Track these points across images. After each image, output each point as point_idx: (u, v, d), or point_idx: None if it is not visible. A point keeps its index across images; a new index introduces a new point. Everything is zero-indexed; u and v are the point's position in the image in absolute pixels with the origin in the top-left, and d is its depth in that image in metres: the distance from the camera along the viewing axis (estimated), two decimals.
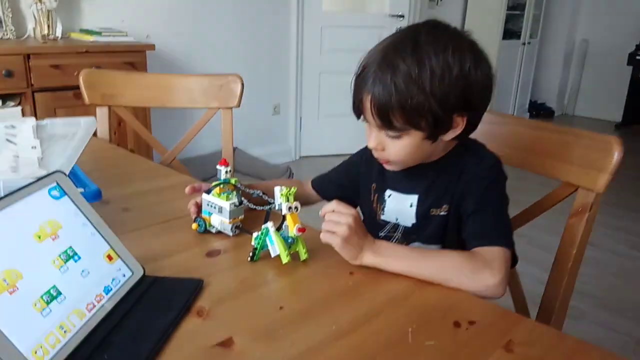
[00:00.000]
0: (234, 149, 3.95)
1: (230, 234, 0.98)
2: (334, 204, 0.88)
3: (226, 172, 0.98)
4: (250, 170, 3.62)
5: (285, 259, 0.87)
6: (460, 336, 0.72)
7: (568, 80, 6.44)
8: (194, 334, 0.71)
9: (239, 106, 1.70)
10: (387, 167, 1.01)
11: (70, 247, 0.73)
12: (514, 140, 1.18)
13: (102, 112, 1.69)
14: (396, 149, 0.94)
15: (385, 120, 0.89)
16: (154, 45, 2.83)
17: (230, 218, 0.96)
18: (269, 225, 0.89)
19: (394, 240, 1.07)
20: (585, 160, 1.05)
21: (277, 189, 0.89)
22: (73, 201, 0.78)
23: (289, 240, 0.89)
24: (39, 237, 0.70)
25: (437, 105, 0.87)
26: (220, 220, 0.98)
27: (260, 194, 0.99)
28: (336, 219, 0.86)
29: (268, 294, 0.82)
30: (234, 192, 0.98)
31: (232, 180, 0.99)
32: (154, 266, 0.86)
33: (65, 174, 0.79)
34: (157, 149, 1.76)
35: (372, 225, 1.09)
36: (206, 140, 3.41)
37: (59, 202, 0.76)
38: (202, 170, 3.45)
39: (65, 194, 0.77)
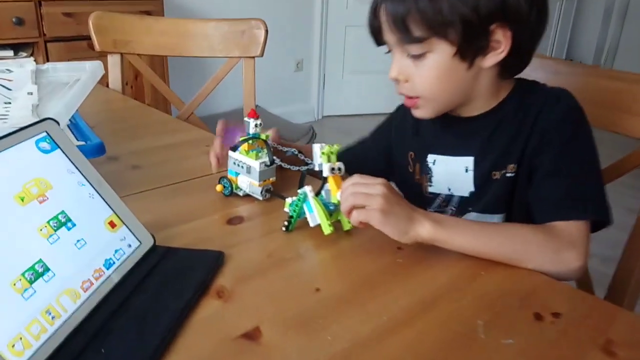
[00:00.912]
0: (256, 107, 3.81)
1: (260, 197, 0.84)
2: (353, 178, 0.71)
3: (255, 125, 0.83)
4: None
5: (327, 230, 0.73)
6: (545, 333, 0.57)
7: (607, 36, 6.09)
8: (213, 321, 0.57)
9: (262, 55, 1.54)
10: (417, 112, 0.83)
11: (63, 212, 0.59)
12: (585, 93, 1.00)
13: (113, 61, 1.54)
14: (423, 73, 0.77)
15: (403, 29, 0.74)
16: None
17: (260, 180, 0.82)
18: (307, 189, 0.74)
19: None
20: None
21: (316, 147, 0.74)
22: (67, 156, 0.64)
23: (331, 208, 0.75)
24: (22, 200, 0.56)
25: (464, 4, 0.71)
26: (248, 182, 0.83)
27: (296, 153, 0.83)
28: (363, 190, 0.69)
29: (301, 272, 0.68)
30: (265, 150, 0.83)
31: (263, 136, 0.84)
32: (166, 234, 0.72)
33: (56, 122, 0.65)
34: (174, 103, 1.61)
35: (417, 202, 0.93)
36: (225, 97, 3.27)
37: (48, 157, 0.62)
38: None
39: (57, 146, 0.63)
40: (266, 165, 0.82)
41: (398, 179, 0.97)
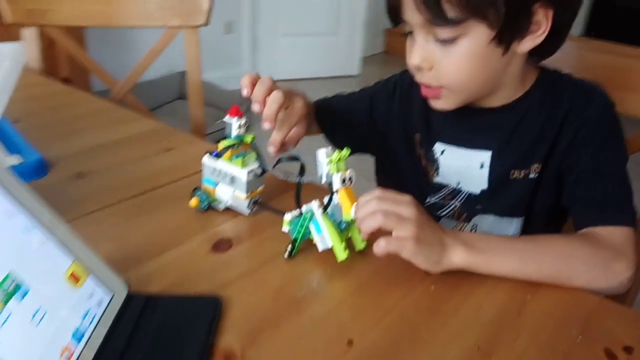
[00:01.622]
0: (183, 74, 3.54)
1: (247, 212, 0.69)
2: (376, 192, 0.58)
3: (239, 126, 0.68)
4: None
5: (342, 255, 0.60)
6: None
7: None
8: None
9: (207, 23, 1.35)
10: (437, 103, 0.72)
11: (8, 276, 0.43)
12: (611, 76, 0.92)
13: (29, 34, 1.30)
14: (452, 61, 0.65)
15: (435, 8, 0.61)
16: None
17: (247, 192, 0.68)
18: (314, 205, 0.61)
19: (447, 210, 0.82)
20: None
21: (321, 153, 0.60)
22: (6, 189, 0.47)
23: (342, 227, 0.62)
24: None
25: None
26: (230, 194, 0.69)
27: (294, 157, 0.68)
28: (392, 208, 0.56)
29: (322, 318, 0.55)
30: (253, 154, 0.68)
31: (248, 138, 0.69)
32: (138, 274, 0.58)
33: None
34: (105, 81, 1.40)
35: (420, 190, 0.82)
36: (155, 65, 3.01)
37: None
38: (151, 99, 3.05)
39: None
40: (256, 175, 0.67)
41: (400, 159, 0.84)
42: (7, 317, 0.41)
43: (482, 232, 0.79)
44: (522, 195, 0.75)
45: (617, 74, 0.89)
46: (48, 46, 2.32)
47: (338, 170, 0.60)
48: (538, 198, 0.74)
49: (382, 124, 0.86)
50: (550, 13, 0.63)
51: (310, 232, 0.62)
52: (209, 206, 0.71)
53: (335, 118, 0.88)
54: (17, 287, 0.43)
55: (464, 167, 0.77)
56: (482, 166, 0.76)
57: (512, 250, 0.61)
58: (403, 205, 0.57)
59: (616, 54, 0.91)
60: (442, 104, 0.71)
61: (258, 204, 0.71)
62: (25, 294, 0.43)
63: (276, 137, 0.70)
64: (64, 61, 2.36)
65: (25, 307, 0.43)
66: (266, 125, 0.67)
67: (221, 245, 0.65)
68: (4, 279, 0.42)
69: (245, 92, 0.68)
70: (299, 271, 0.61)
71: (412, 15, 0.64)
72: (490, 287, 0.59)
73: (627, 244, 0.63)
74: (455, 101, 0.70)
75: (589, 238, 0.64)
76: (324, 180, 0.61)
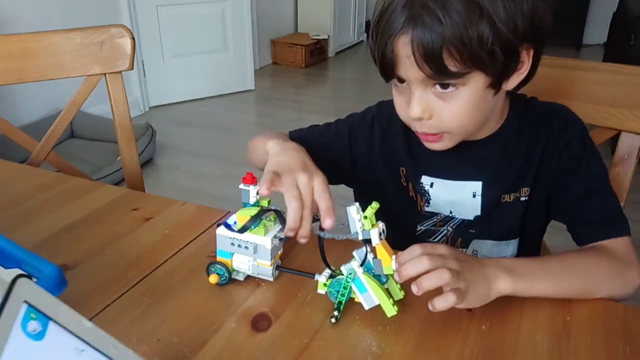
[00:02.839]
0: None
1: (272, 278, 0.67)
2: (416, 249, 0.58)
3: (257, 193, 0.65)
4: (97, 133, 3.02)
5: (392, 311, 0.60)
6: None
7: None
8: None
9: (132, 68, 1.28)
10: (436, 145, 0.73)
11: None
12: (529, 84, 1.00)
13: None
14: (453, 109, 0.67)
15: (438, 65, 0.62)
16: None
17: (271, 258, 0.65)
18: (355, 265, 0.60)
19: (440, 236, 0.84)
20: (630, 99, 0.91)
21: (352, 210, 0.59)
22: (63, 327, 0.41)
23: (383, 281, 0.62)
24: None
25: (506, 28, 0.62)
26: (250, 262, 0.66)
27: (316, 218, 0.65)
28: (441, 263, 0.57)
29: None
30: (272, 219, 0.66)
31: (265, 202, 0.66)
32: None
33: (29, 277, 0.41)
34: (23, 143, 1.25)
35: (410, 218, 0.84)
36: (30, 105, 2.79)
37: (44, 343, 0.39)
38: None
39: (48, 318, 0.40)
40: (280, 240, 0.65)
41: (388, 190, 0.85)
42: None
43: (483, 256, 0.83)
44: (515, 217, 0.79)
45: (556, 85, 0.98)
46: None
47: (372, 225, 0.60)
48: (530, 218, 0.80)
49: (364, 159, 0.86)
50: (532, 52, 0.68)
51: (351, 293, 0.61)
52: (230, 279, 0.67)
53: (313, 153, 0.86)
54: None
55: (456, 197, 0.80)
56: (474, 195, 0.79)
57: (547, 272, 0.65)
58: (449, 261, 0.58)
59: (553, 67, 0.99)
60: (441, 145, 0.73)
61: (279, 268, 0.68)
62: None
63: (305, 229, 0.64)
64: None
65: None
66: (302, 240, 0.64)
67: (259, 322, 0.61)
68: None
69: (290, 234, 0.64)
70: (351, 335, 0.60)
71: (411, 72, 0.65)
72: (531, 314, 0.62)
73: (631, 252, 0.70)
74: (455, 141, 0.73)
75: (603, 252, 0.70)
76: (360, 237, 0.61)
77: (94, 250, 0.75)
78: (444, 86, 0.66)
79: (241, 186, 0.65)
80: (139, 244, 0.76)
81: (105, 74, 1.25)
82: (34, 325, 0.39)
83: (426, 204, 0.83)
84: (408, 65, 0.64)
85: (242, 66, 3.88)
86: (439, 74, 0.63)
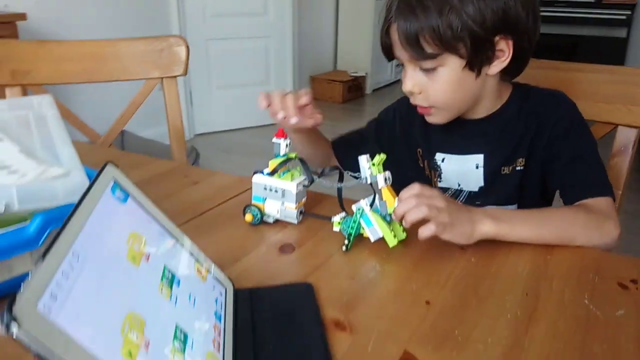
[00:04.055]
0: (122, 133, 3.53)
1: (296, 221, 0.79)
2: (414, 189, 0.70)
3: (286, 145, 0.79)
4: (147, 153, 3.24)
5: (393, 241, 0.71)
6: (637, 297, 0.63)
7: None
8: (357, 354, 0.54)
9: (185, 73, 1.46)
10: (431, 118, 0.88)
11: (166, 268, 0.51)
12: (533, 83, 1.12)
13: (13, 94, 1.33)
14: (436, 85, 0.82)
15: (416, 47, 0.78)
16: (25, 14, 2.36)
17: (296, 202, 0.78)
18: (364, 203, 0.73)
19: None
20: (625, 97, 1.02)
21: (363, 159, 0.72)
22: (139, 203, 0.55)
23: (387, 219, 0.73)
24: (134, 259, 0.47)
25: (472, 21, 0.76)
26: (278, 207, 0.79)
27: (335, 167, 0.80)
28: (428, 202, 0.68)
29: (398, 289, 0.66)
30: (298, 169, 0.79)
31: (293, 155, 0.80)
32: (229, 275, 0.65)
33: (116, 165, 0.56)
34: (88, 134, 1.44)
35: None
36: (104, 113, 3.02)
37: (126, 207, 0.53)
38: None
39: (128, 194, 0.54)
40: (304, 186, 0.78)
41: (408, 171, 0.99)
42: (176, 299, 0.49)
43: None
44: (513, 185, 0.90)
45: (559, 86, 1.09)
46: None
47: (379, 172, 0.72)
48: (526, 186, 0.91)
49: (387, 144, 1.00)
50: (510, 42, 0.81)
51: (360, 228, 0.73)
52: (261, 220, 0.80)
53: (350, 145, 1.04)
54: (173, 276, 0.51)
55: (462, 169, 0.92)
56: (477, 167, 0.91)
57: (529, 218, 0.75)
58: (436, 199, 0.70)
59: (557, 69, 1.11)
60: (434, 119, 0.88)
61: (303, 213, 0.81)
62: (179, 282, 0.51)
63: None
64: None
65: (183, 292, 0.51)
66: (293, 120, 0.81)
67: (286, 248, 0.74)
68: (164, 270, 0.50)
69: (263, 106, 0.82)
70: (361, 260, 0.72)
71: (401, 52, 0.81)
72: (516, 256, 0.72)
73: (611, 209, 0.80)
74: (444, 116, 0.87)
75: (583, 207, 0.80)
76: (368, 181, 0.73)
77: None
78: (427, 66, 0.80)
79: (274, 140, 0.79)
80: (188, 198, 0.91)
81: (162, 78, 1.43)
82: (119, 194, 0.52)
83: (439, 179, 0.95)
84: (398, 47, 0.81)
85: None
86: (419, 55, 0.78)
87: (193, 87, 3.80)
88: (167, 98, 1.44)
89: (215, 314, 0.54)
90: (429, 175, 0.96)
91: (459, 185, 0.93)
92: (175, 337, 0.45)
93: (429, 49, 0.78)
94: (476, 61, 0.80)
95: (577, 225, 0.76)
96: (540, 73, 1.12)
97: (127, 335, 0.39)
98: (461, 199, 0.94)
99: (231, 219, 0.82)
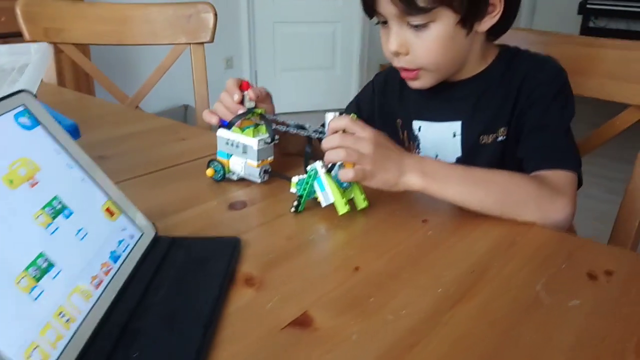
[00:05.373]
0: (186, 107, 3.64)
1: (259, 180, 0.76)
2: (341, 122, 0.65)
3: (250, 98, 0.75)
4: None
5: (343, 209, 0.66)
6: (606, 292, 0.54)
7: None
8: (251, 311, 0.50)
9: (212, 40, 1.45)
10: (415, 83, 0.80)
11: (56, 198, 0.49)
12: (564, 62, 1.01)
13: None
14: (425, 44, 0.74)
15: (409, 1, 0.70)
16: None
17: (258, 160, 0.74)
18: (318, 165, 0.68)
19: None
20: None
21: (329, 116, 0.67)
22: (50, 133, 0.53)
23: (344, 185, 0.68)
24: (11, 182, 0.45)
25: None
26: (243, 164, 0.75)
27: (297, 128, 0.75)
28: (352, 145, 0.64)
29: (331, 253, 0.61)
30: (263, 125, 0.75)
31: (259, 110, 0.76)
32: (164, 224, 0.63)
33: (34, 95, 0.54)
34: (116, 95, 1.48)
35: None
36: (165, 92, 3.12)
37: (31, 134, 0.51)
38: None
39: (39, 122, 0.53)
40: (266, 143, 0.74)
41: None
42: (56, 229, 0.47)
43: None
44: (493, 158, 0.82)
45: (591, 63, 0.98)
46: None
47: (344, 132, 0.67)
48: (507, 159, 0.82)
49: (368, 119, 0.94)
50: None
51: (314, 191, 0.68)
52: (224, 177, 0.77)
53: None
54: (63, 207, 0.49)
55: (439, 138, 0.85)
56: (454, 135, 0.84)
57: (465, 178, 0.67)
58: (363, 143, 0.64)
59: (591, 46, 0.99)
60: (419, 83, 0.80)
61: (268, 173, 0.77)
62: (70, 214, 0.49)
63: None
64: (71, 81, 2.46)
65: (71, 224, 0.49)
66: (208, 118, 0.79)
67: (237, 205, 0.71)
68: (53, 199, 0.48)
69: (214, 122, 0.79)
70: (308, 223, 0.67)
71: (387, 7, 0.73)
72: (482, 232, 0.65)
73: (568, 184, 0.70)
74: (431, 80, 0.79)
75: (536, 177, 0.71)
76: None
77: (130, 150, 0.90)
78: (418, 22, 0.72)
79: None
80: (167, 152, 0.90)
81: (190, 44, 1.43)
82: (24, 120, 0.51)
83: (417, 150, 0.88)
84: (384, 2, 0.73)
85: (347, 85, 4.05)
86: (410, 8, 0.71)
87: (258, 68, 3.84)
88: (194, 64, 1.44)
89: (112, 253, 0.52)
90: (409, 147, 0.89)
91: (437, 156, 0.86)
92: (33, 263, 0.43)
93: (421, 2, 0.71)
94: (470, 16, 0.73)
95: (523, 194, 0.68)
96: (564, 49, 1.01)
97: None
98: None
99: (198, 173, 0.79)
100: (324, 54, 3.96)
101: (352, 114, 0.69)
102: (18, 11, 1.34)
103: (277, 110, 0.84)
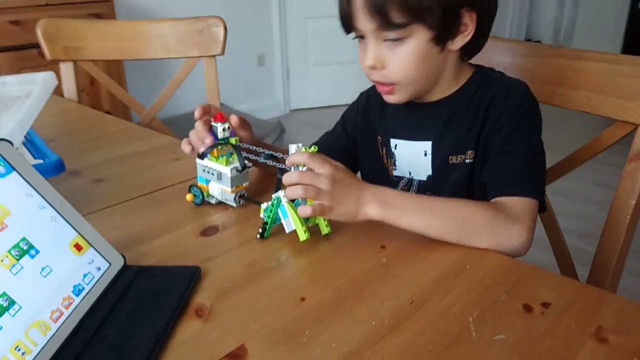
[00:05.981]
0: (220, 105, 3.74)
1: (234, 204, 0.81)
2: (302, 157, 0.69)
3: (224, 129, 0.80)
4: None
5: (302, 236, 0.70)
6: (536, 325, 0.56)
7: (563, 15, 6.19)
8: (194, 342, 0.54)
9: (223, 53, 1.50)
10: (391, 98, 0.83)
11: (24, 239, 0.55)
12: (549, 74, 1.00)
13: (66, 68, 1.48)
14: (400, 59, 0.77)
15: (384, 16, 0.73)
16: None
17: (232, 186, 0.79)
18: (281, 194, 0.72)
19: None
20: None
21: (292, 147, 0.71)
22: (24, 178, 0.60)
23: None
24: None
25: None
26: (220, 189, 0.80)
27: (267, 157, 0.79)
28: (310, 181, 0.68)
29: (283, 282, 0.65)
30: (235, 154, 0.80)
31: (232, 140, 0.81)
32: (137, 252, 0.69)
33: (9, 142, 0.61)
34: (134, 108, 1.56)
35: (384, 185, 0.92)
36: (185, 98, 3.21)
37: (4, 181, 0.58)
38: (186, 132, 3.24)
39: (13, 168, 0.59)
40: (238, 171, 0.79)
41: (367, 162, 0.96)
42: (20, 269, 0.53)
43: None
44: (462, 179, 0.84)
45: (578, 76, 0.97)
46: (90, 83, 2.55)
47: (302, 166, 0.71)
48: (475, 181, 0.83)
49: (354, 138, 0.98)
50: (474, 16, 0.76)
51: (279, 217, 0.73)
52: (204, 201, 0.82)
53: (317, 144, 1.01)
54: (30, 247, 0.55)
55: (412, 156, 0.88)
56: (425, 154, 0.86)
57: (422, 207, 0.71)
58: (321, 179, 0.67)
59: (578, 59, 0.98)
60: (395, 98, 0.83)
61: (244, 197, 0.81)
62: (36, 254, 0.55)
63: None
64: (106, 96, 2.58)
65: (36, 264, 0.55)
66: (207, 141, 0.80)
67: (209, 231, 0.76)
68: (21, 240, 0.55)
69: (187, 151, 0.83)
70: (271, 249, 0.71)
71: (364, 23, 0.76)
72: (437, 259, 0.67)
73: (526, 212, 0.72)
74: (406, 94, 0.82)
75: (493, 205, 0.73)
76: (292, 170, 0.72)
77: (125, 173, 0.96)
78: (394, 37, 0.75)
79: (212, 123, 0.80)
80: (159, 173, 0.96)
81: (202, 57, 1.49)
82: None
83: (394, 167, 0.91)
84: (361, 17, 0.76)
85: None
86: (386, 24, 0.74)
87: (290, 63, 3.89)
88: (207, 76, 1.50)
89: (75, 287, 0.58)
90: (386, 164, 0.92)
91: (410, 173, 0.89)
92: None
93: (397, 19, 0.74)
94: (443, 33, 0.76)
95: (478, 222, 0.70)
96: (553, 62, 1.01)
97: None
98: (413, 188, 0.89)
99: (180, 197, 0.85)
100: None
101: (313, 147, 0.72)
102: (38, 31, 1.43)
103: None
